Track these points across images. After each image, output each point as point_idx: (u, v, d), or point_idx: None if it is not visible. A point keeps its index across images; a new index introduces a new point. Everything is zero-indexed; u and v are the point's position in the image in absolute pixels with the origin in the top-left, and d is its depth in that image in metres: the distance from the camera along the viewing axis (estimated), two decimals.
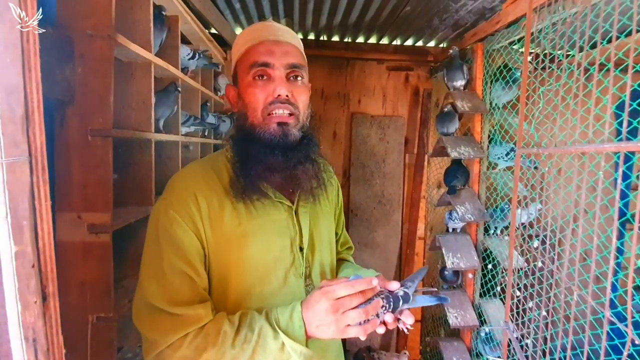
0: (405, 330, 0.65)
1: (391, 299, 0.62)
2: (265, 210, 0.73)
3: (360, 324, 0.60)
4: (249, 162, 0.71)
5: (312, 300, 0.63)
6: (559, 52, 1.03)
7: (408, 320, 0.64)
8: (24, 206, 0.38)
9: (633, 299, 0.66)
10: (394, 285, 0.64)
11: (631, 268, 0.69)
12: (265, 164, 0.70)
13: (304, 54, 0.77)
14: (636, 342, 0.67)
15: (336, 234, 0.95)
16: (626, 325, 0.68)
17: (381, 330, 0.62)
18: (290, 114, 0.71)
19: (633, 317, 0.68)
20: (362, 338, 0.61)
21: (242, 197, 0.71)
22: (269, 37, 0.72)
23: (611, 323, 0.76)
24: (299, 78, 0.74)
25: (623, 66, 0.84)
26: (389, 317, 0.62)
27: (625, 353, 0.70)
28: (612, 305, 0.84)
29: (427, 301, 0.65)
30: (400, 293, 0.63)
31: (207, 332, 0.63)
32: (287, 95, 0.70)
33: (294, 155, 0.72)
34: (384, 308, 0.61)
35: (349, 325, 0.60)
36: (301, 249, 0.76)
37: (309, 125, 0.76)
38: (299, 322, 0.62)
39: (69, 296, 0.99)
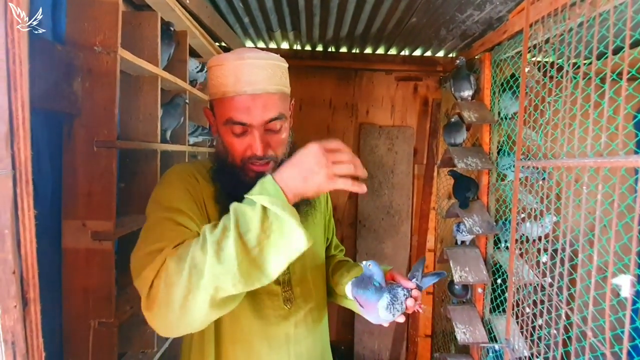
0: (421, 311, 0.75)
1: (408, 290, 0.75)
2: None
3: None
4: (231, 194, 0.67)
5: (295, 157, 0.59)
6: (564, 61, 1.01)
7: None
8: (6, 216, 0.41)
9: None
10: (411, 285, 0.75)
11: None
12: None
13: (285, 90, 0.73)
14: None
15: (327, 239, 0.97)
16: None
17: (401, 319, 0.72)
18: (269, 162, 0.71)
19: None
20: (350, 189, 0.58)
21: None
22: (246, 90, 0.67)
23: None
24: (278, 126, 0.71)
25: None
26: (410, 302, 0.72)
27: None
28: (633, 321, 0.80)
29: (432, 281, 0.77)
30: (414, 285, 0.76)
31: (188, 242, 0.59)
32: (264, 153, 0.69)
33: None
34: (405, 297, 0.73)
35: (337, 176, 0.57)
36: None
37: (289, 152, 0.74)
38: (271, 183, 0.57)
39: (73, 301, 1.03)
